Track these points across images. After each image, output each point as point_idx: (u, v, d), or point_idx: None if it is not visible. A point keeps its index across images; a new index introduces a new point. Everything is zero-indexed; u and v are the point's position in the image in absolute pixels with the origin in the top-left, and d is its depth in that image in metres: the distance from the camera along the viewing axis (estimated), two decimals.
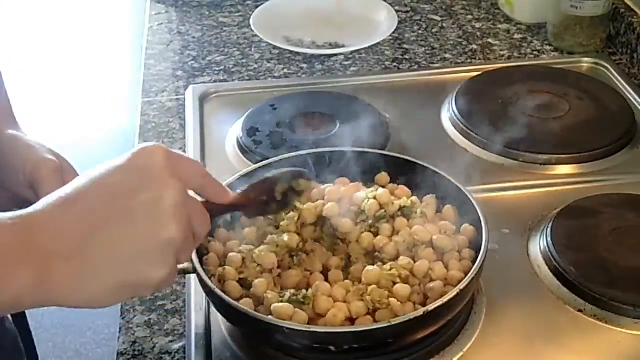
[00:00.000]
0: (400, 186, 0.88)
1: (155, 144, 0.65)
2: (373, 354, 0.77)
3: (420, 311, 0.73)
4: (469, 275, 0.76)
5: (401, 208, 0.83)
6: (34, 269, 0.58)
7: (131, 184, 0.62)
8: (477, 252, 0.79)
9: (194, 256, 0.77)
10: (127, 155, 0.63)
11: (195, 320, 0.84)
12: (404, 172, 0.90)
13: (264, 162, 0.90)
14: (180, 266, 0.71)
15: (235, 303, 0.74)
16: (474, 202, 0.84)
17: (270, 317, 0.73)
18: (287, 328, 0.72)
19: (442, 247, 0.81)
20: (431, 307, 0.73)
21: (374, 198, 0.84)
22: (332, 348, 0.73)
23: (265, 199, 0.79)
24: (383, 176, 0.89)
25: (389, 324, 0.72)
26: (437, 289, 0.76)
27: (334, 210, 0.83)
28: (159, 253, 0.62)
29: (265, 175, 0.80)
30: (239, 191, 0.77)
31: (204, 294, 0.86)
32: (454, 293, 0.74)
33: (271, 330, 0.72)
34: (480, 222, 0.82)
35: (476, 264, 0.77)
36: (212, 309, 0.85)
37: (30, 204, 0.62)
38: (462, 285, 0.74)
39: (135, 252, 0.61)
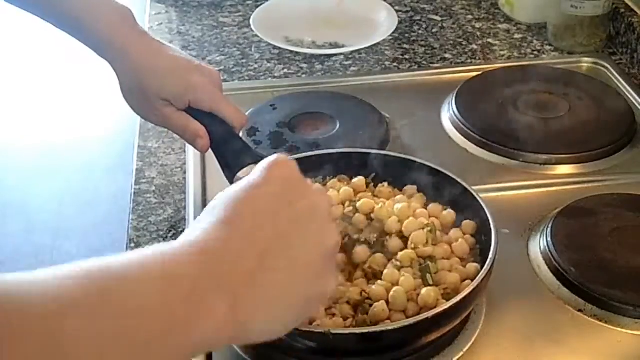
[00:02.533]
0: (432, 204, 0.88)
1: (281, 155, 0.63)
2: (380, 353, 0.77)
3: (442, 307, 0.73)
4: (480, 273, 0.77)
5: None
6: (226, 297, 0.54)
7: (283, 194, 0.60)
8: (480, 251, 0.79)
9: None
10: (262, 171, 0.61)
11: None
12: (406, 172, 0.90)
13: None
14: None
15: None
16: (482, 202, 0.84)
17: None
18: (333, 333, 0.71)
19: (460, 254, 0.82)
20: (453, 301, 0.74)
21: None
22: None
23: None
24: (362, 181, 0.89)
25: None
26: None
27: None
28: (328, 259, 0.61)
29: None
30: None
31: None
32: (471, 288, 0.75)
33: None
34: (489, 223, 0.82)
35: (486, 265, 0.77)
36: None
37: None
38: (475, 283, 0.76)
39: (310, 260, 0.59)
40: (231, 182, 0.88)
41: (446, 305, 0.74)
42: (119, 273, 0.51)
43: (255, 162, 0.87)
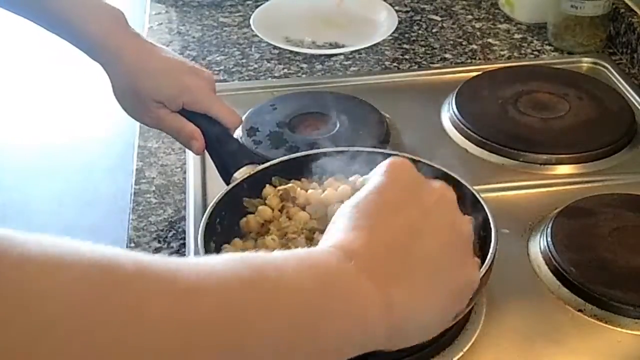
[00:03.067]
0: None
1: (396, 157, 0.64)
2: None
3: None
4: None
5: None
6: (379, 300, 0.54)
7: (411, 193, 0.60)
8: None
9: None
10: (383, 174, 0.61)
11: None
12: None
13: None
14: None
15: None
16: (480, 199, 0.84)
17: None
18: None
19: None
20: None
21: None
22: None
23: None
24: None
25: None
26: None
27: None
28: (467, 249, 0.61)
29: None
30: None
31: None
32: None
33: None
34: (488, 219, 0.82)
35: (487, 260, 0.77)
36: None
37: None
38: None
39: (450, 252, 0.59)
40: (227, 183, 0.88)
41: None
42: (277, 264, 0.51)
43: (252, 163, 0.88)
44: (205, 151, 0.95)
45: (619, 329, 0.83)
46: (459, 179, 0.86)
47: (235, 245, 0.82)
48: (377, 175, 0.61)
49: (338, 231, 0.57)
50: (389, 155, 0.91)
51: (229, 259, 0.50)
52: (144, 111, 0.96)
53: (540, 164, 1.06)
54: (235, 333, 0.46)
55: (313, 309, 0.51)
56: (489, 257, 0.78)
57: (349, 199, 0.60)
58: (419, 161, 0.90)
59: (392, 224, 0.58)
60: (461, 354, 0.80)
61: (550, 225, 0.92)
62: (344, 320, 0.52)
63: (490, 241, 0.79)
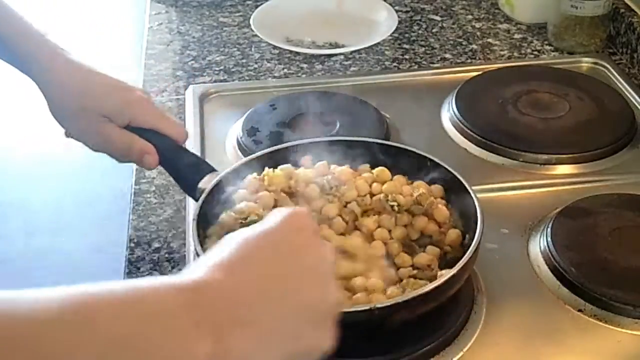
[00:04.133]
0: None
1: (301, 208, 0.65)
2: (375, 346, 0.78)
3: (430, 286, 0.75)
4: (467, 253, 0.78)
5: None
6: (213, 340, 0.52)
7: (295, 244, 0.59)
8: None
9: (196, 238, 0.79)
10: (278, 218, 0.60)
11: None
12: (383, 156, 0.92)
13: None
14: None
15: None
16: (466, 185, 0.86)
17: None
18: None
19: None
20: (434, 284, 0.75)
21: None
22: None
23: None
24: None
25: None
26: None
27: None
28: (327, 317, 0.59)
29: None
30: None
31: None
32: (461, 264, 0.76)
33: None
34: (474, 201, 0.83)
35: (472, 245, 0.78)
36: None
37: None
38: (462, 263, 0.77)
39: (305, 314, 0.57)
40: (191, 195, 0.89)
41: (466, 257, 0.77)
42: (103, 297, 0.50)
43: (212, 171, 0.89)
44: (206, 151, 0.95)
45: (619, 329, 0.83)
46: (435, 159, 0.89)
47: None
48: (270, 219, 0.60)
49: (198, 267, 0.55)
50: (367, 142, 0.93)
51: (57, 296, 0.49)
52: (91, 129, 0.93)
53: (540, 164, 1.06)
54: None
55: (130, 346, 0.49)
56: (474, 241, 0.79)
57: (231, 234, 0.59)
58: (406, 149, 0.92)
59: (256, 272, 0.56)
60: (461, 354, 0.80)
61: (550, 225, 0.92)
62: None
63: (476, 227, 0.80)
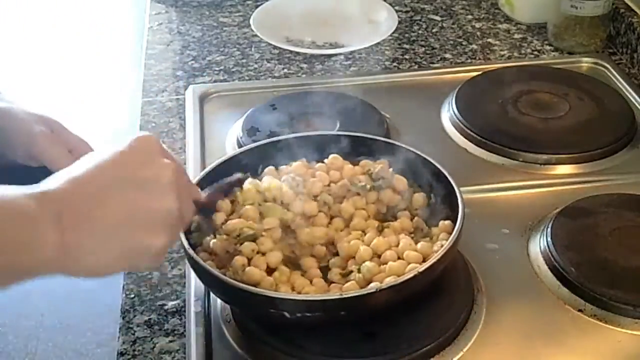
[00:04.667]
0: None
1: (149, 134, 0.74)
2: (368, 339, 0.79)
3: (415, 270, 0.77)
4: (452, 236, 0.80)
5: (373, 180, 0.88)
6: (57, 228, 0.65)
7: (134, 161, 0.71)
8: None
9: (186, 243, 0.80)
10: (127, 140, 0.72)
11: (195, 320, 0.84)
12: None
13: (226, 157, 0.93)
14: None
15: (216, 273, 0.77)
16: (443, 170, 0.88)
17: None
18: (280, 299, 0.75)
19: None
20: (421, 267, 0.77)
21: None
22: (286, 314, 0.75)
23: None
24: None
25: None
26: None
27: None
28: (159, 221, 0.70)
29: (233, 177, 0.86)
30: (206, 191, 0.84)
31: (203, 293, 0.86)
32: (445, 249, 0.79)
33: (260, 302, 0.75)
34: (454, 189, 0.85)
35: (455, 229, 0.80)
36: (212, 309, 0.85)
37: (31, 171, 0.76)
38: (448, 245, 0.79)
39: (138, 219, 0.69)
40: None
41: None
42: None
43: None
44: (206, 151, 0.95)
45: (619, 329, 0.83)
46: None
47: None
48: (122, 142, 0.71)
49: (52, 178, 0.68)
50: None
51: None
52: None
53: (540, 164, 1.06)
54: None
55: None
56: (458, 222, 0.81)
57: (90, 153, 0.71)
58: (396, 144, 0.93)
59: (99, 181, 0.68)
60: (461, 354, 0.80)
61: (550, 225, 0.92)
62: (16, 250, 0.63)
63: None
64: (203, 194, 0.82)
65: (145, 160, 0.71)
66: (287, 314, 0.75)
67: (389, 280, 0.77)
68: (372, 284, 0.77)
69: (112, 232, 0.67)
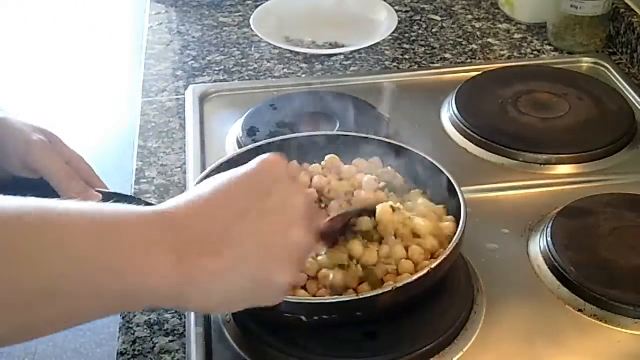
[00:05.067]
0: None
1: (277, 153, 0.67)
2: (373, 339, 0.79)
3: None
4: (453, 241, 0.80)
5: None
6: (177, 257, 0.57)
7: (263, 185, 0.64)
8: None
9: None
10: (254, 162, 0.65)
11: (195, 320, 0.84)
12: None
13: (251, 146, 0.93)
14: None
15: None
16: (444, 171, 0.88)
17: None
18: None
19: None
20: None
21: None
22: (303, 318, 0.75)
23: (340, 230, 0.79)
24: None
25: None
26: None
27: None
28: (286, 254, 0.63)
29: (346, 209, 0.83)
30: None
31: None
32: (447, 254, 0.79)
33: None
34: (456, 190, 0.85)
35: (459, 230, 0.81)
36: None
37: (30, 182, 0.67)
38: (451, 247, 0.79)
39: (266, 249, 0.62)
40: None
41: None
42: (68, 212, 0.56)
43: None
44: (206, 151, 0.95)
45: (619, 329, 0.83)
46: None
47: None
48: (249, 163, 0.65)
49: (174, 200, 0.61)
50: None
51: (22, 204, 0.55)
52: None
53: (540, 164, 1.06)
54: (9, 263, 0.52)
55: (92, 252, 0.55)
56: (460, 224, 0.81)
57: (215, 176, 0.64)
58: (401, 147, 0.93)
59: (225, 207, 0.61)
60: (461, 354, 0.80)
61: (550, 225, 0.92)
62: (119, 275, 0.55)
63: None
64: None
65: (275, 184, 0.64)
66: (304, 318, 0.75)
67: (401, 279, 0.77)
68: (385, 284, 0.77)
69: (238, 264, 0.61)
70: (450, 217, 0.86)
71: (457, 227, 0.82)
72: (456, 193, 0.85)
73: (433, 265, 0.77)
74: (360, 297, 0.75)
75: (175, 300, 0.60)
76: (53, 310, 0.54)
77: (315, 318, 0.75)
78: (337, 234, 0.79)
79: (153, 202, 0.90)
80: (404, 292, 0.75)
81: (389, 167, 0.93)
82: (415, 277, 0.76)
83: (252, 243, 0.61)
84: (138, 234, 0.57)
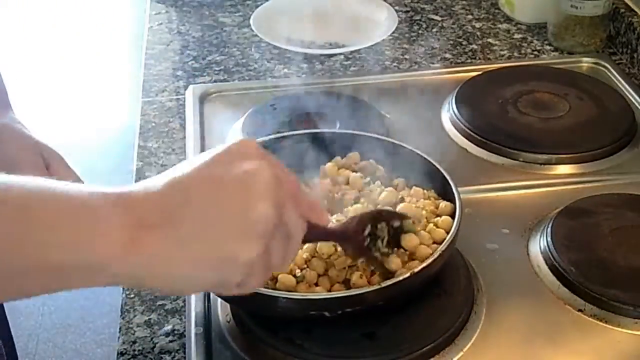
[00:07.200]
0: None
1: (251, 138, 0.65)
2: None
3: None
4: (449, 234, 0.81)
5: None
6: (129, 231, 0.56)
7: (226, 161, 0.61)
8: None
9: None
10: (225, 145, 0.63)
11: (195, 320, 0.84)
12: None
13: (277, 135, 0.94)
14: None
15: None
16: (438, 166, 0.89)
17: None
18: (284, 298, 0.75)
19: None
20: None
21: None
22: (326, 314, 0.75)
23: (367, 235, 0.76)
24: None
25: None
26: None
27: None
28: (247, 229, 0.60)
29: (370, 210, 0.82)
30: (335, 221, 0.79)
31: (203, 294, 0.86)
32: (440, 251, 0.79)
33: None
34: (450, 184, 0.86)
35: (454, 224, 0.81)
36: (212, 309, 0.85)
37: None
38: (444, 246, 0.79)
39: (225, 225, 0.59)
40: None
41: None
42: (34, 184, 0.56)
43: None
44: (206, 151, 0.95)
45: (619, 329, 0.83)
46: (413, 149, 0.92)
47: None
48: (221, 145, 0.63)
49: (142, 181, 0.60)
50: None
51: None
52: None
53: (540, 164, 1.06)
54: None
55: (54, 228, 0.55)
56: (456, 218, 0.82)
57: (198, 156, 0.63)
58: (397, 144, 0.94)
59: (187, 182, 0.59)
60: (461, 354, 0.80)
61: (550, 225, 0.92)
62: (72, 251, 0.55)
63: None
64: (332, 220, 0.75)
65: (240, 158, 0.61)
66: (327, 314, 0.75)
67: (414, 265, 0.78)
68: (399, 271, 0.77)
69: (195, 241, 0.58)
70: (446, 217, 0.86)
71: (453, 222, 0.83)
72: (451, 189, 0.86)
73: (443, 247, 0.78)
74: (383, 285, 0.75)
75: (130, 278, 0.58)
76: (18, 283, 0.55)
77: (339, 312, 0.75)
78: (361, 241, 0.76)
79: None
80: (424, 276, 0.77)
81: (371, 160, 0.93)
82: (430, 259, 0.77)
83: (207, 218, 0.59)
84: (90, 211, 0.56)
